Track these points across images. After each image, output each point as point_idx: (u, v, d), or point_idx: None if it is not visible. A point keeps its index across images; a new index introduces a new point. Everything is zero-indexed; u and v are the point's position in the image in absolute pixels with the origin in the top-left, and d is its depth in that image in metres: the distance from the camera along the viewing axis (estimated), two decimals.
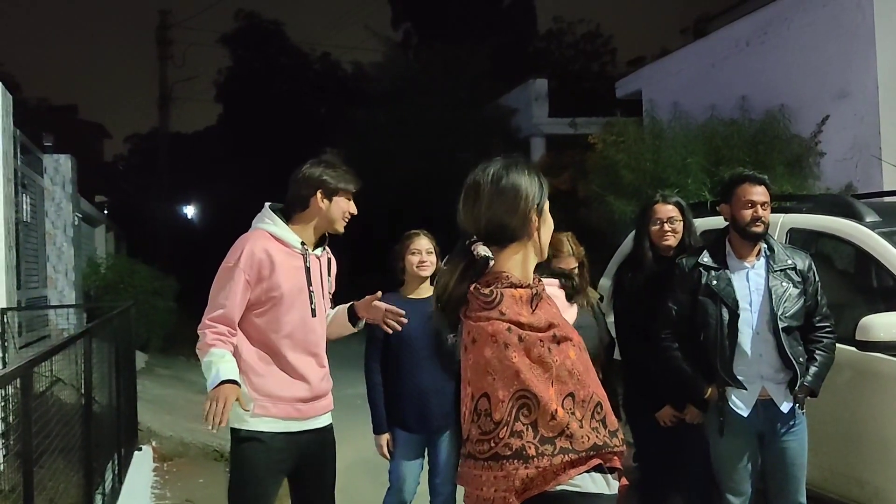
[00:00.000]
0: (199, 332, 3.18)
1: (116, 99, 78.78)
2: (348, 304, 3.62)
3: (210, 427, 3.01)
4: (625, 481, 2.13)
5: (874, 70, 8.73)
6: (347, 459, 6.86)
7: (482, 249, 2.04)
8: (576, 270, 3.89)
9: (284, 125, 30.54)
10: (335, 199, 3.31)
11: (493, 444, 1.95)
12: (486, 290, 2.03)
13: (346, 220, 3.38)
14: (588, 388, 2.06)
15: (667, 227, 4.12)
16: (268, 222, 3.29)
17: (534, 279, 2.13)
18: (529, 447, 1.94)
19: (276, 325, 3.24)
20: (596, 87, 20.99)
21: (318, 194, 3.27)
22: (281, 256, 3.23)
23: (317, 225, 3.33)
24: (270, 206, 3.37)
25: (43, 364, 3.98)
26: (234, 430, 3.26)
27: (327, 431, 3.47)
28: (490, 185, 2.08)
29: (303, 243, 3.30)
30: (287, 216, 3.32)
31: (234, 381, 3.06)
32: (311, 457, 3.37)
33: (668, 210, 4.15)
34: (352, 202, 3.37)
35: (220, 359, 3.12)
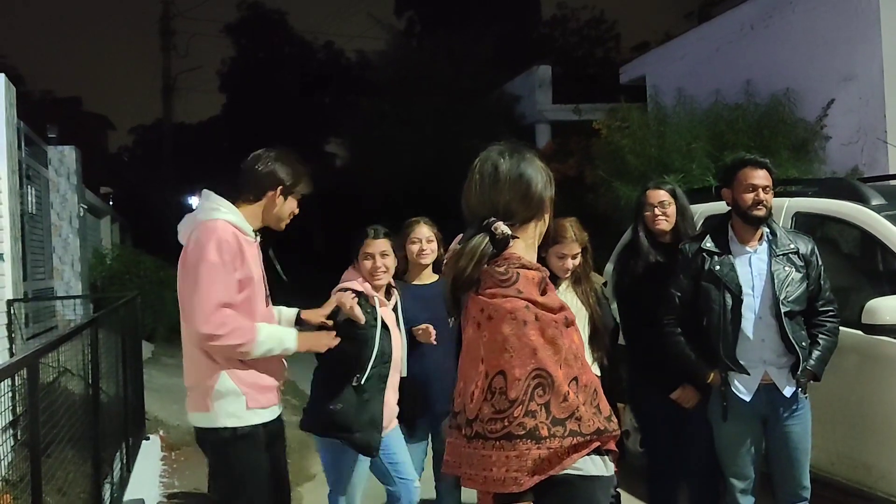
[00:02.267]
0: (215, 333, 3.03)
1: (120, 90, 78.83)
2: (295, 312, 3.62)
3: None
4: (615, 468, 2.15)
5: (879, 53, 8.67)
6: None
7: (504, 227, 2.05)
8: (579, 256, 3.88)
9: (289, 115, 30.52)
10: (290, 198, 3.34)
11: (506, 423, 1.94)
12: (501, 269, 2.04)
13: (289, 219, 3.41)
14: (588, 373, 2.09)
15: (657, 211, 4.15)
16: (225, 211, 3.23)
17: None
18: (542, 427, 1.94)
19: (251, 313, 3.20)
20: (600, 73, 20.89)
21: (278, 191, 3.29)
22: (246, 245, 3.22)
23: (264, 218, 3.33)
24: (214, 192, 3.30)
25: (50, 354, 4.00)
26: (223, 430, 3.15)
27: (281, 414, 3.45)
28: (510, 170, 2.11)
29: (255, 231, 3.31)
30: (232, 201, 3.29)
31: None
32: (276, 437, 3.36)
33: (659, 195, 4.18)
34: (296, 202, 3.40)
35: (270, 328, 3.19)
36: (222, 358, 3.13)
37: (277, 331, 3.20)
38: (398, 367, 3.90)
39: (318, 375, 3.86)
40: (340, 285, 3.80)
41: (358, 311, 3.54)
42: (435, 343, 3.74)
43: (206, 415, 3.17)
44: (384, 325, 3.74)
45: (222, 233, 3.15)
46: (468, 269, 2.04)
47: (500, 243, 2.05)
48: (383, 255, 3.84)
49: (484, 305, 2.02)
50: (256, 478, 3.23)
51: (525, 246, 2.12)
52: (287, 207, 3.35)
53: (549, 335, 2.00)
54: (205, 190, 3.33)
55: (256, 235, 3.32)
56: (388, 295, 3.92)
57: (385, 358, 3.73)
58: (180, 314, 3.21)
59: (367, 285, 3.80)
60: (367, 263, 3.83)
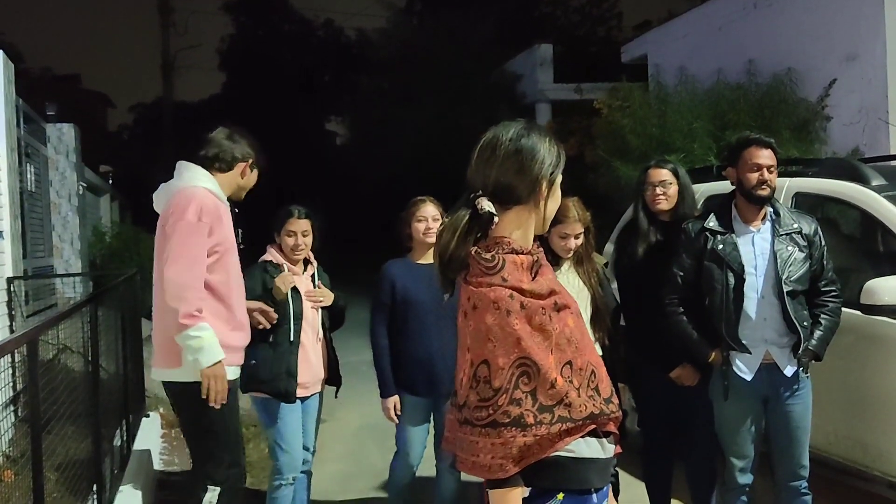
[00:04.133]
0: (177, 285, 3.25)
1: (120, 68, 78.42)
2: None
3: (214, 403, 3.31)
4: (618, 449, 2.13)
5: (882, 32, 8.62)
6: (354, 425, 7.01)
7: (486, 204, 1.99)
8: (581, 236, 3.88)
9: (288, 93, 30.38)
10: (254, 170, 3.72)
11: (491, 411, 1.93)
12: (488, 256, 2.00)
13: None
14: (584, 355, 2.05)
15: (659, 190, 4.12)
16: (205, 180, 3.52)
17: (533, 246, 2.09)
18: (528, 415, 1.93)
19: (227, 277, 3.45)
20: (602, 52, 20.79)
21: (249, 162, 3.67)
22: (222, 211, 3.50)
23: (231, 187, 3.66)
24: (188, 163, 3.60)
25: (50, 331, 4.00)
26: (196, 385, 3.34)
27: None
28: (508, 143, 2.03)
29: (228, 199, 3.62)
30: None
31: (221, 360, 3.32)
32: (234, 393, 3.59)
33: (660, 174, 4.15)
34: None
35: (210, 335, 3.27)
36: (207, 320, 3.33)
37: (209, 341, 3.28)
38: (314, 328, 4.24)
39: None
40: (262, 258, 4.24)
41: (283, 287, 4.03)
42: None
43: (176, 371, 3.38)
44: (296, 290, 4.14)
45: (203, 199, 3.40)
46: (451, 245, 2.00)
47: (483, 220, 2.00)
48: (304, 234, 4.23)
49: (470, 294, 2.00)
50: (232, 430, 3.50)
51: (519, 228, 2.06)
52: (251, 180, 3.73)
53: (537, 322, 1.97)
54: (181, 161, 3.61)
55: (227, 202, 3.61)
56: (305, 267, 4.33)
57: (297, 317, 4.11)
58: (156, 270, 3.40)
59: (280, 256, 4.22)
60: (290, 240, 4.21)
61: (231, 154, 3.63)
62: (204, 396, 3.31)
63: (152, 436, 5.91)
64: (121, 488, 4.52)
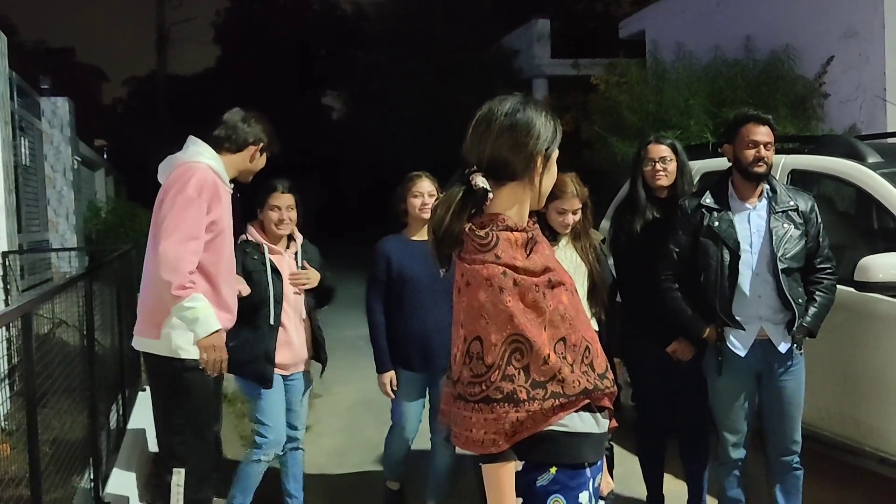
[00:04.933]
0: (171, 258, 3.22)
1: (114, 41, 77.79)
2: None
3: (212, 373, 3.32)
4: (614, 423, 2.14)
5: (881, 9, 8.58)
6: (351, 399, 7.03)
7: (480, 180, 1.98)
8: (579, 212, 3.87)
9: (284, 67, 30.19)
10: (263, 155, 3.68)
11: (484, 387, 1.94)
12: (482, 233, 1.99)
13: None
14: (578, 331, 2.05)
15: (658, 167, 4.10)
16: (208, 157, 3.48)
17: (529, 222, 2.09)
18: (521, 391, 1.94)
19: (217, 258, 3.42)
20: (600, 28, 20.65)
21: (259, 147, 3.62)
22: (222, 191, 3.46)
23: (239, 169, 3.62)
24: (197, 139, 3.55)
25: (46, 306, 4.00)
26: (175, 360, 3.37)
27: None
28: (503, 118, 2.01)
29: (231, 181, 3.58)
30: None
31: (219, 329, 3.31)
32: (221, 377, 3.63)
33: (660, 150, 4.13)
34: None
35: (205, 305, 3.27)
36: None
37: (206, 314, 3.28)
38: (297, 310, 4.19)
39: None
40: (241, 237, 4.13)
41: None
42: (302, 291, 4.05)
43: (154, 342, 3.39)
44: (277, 273, 4.09)
45: (204, 174, 3.37)
46: (446, 220, 1.99)
47: (477, 196, 1.99)
48: (289, 208, 4.14)
49: (464, 270, 2.00)
50: (205, 407, 3.49)
51: (515, 204, 2.05)
52: (258, 164, 3.69)
53: (531, 299, 1.97)
54: (191, 136, 3.55)
55: (231, 184, 3.57)
56: (288, 244, 4.26)
57: (277, 301, 4.05)
58: (151, 239, 3.39)
59: (259, 235, 4.14)
60: (274, 214, 4.12)
61: (243, 137, 3.58)
62: (202, 368, 3.32)
63: (148, 410, 5.92)
64: (117, 461, 4.54)
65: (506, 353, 1.94)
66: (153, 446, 5.44)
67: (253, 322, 3.99)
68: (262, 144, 3.63)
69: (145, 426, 5.59)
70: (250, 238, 4.15)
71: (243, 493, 4.08)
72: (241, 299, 3.76)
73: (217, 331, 3.30)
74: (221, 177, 3.48)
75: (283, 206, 4.12)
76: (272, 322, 4.04)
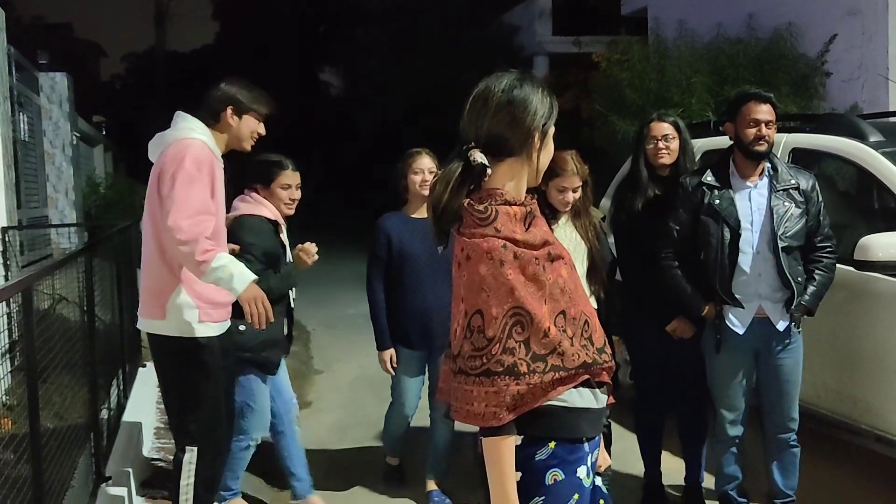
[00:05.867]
0: (185, 228, 3.09)
1: (112, 17, 77.26)
2: None
3: (259, 327, 3.18)
4: (611, 399, 2.15)
5: None
6: (351, 375, 7.07)
7: (479, 156, 1.99)
8: (580, 189, 3.86)
9: (282, 43, 30.02)
10: (245, 117, 3.46)
11: (485, 361, 1.94)
12: (481, 207, 2.00)
13: (254, 140, 3.53)
14: (578, 305, 2.06)
15: (661, 144, 4.08)
16: (200, 132, 3.38)
17: (527, 198, 2.09)
18: (521, 364, 1.94)
19: (215, 235, 3.30)
20: (601, 4, 20.54)
21: (229, 110, 3.42)
22: (216, 166, 3.38)
23: (227, 141, 3.48)
24: (186, 114, 3.44)
25: (46, 281, 4.00)
26: (180, 340, 3.34)
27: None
28: (500, 94, 2.02)
29: (222, 155, 3.47)
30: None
31: (256, 279, 3.20)
32: (229, 355, 3.56)
33: (663, 128, 4.10)
34: (261, 124, 3.52)
35: (231, 260, 3.19)
36: (182, 270, 3.27)
37: (235, 267, 3.17)
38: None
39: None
40: (247, 212, 3.92)
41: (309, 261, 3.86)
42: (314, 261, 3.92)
43: (160, 322, 3.35)
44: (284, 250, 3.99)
45: (199, 150, 3.29)
46: (445, 196, 2.00)
47: (475, 172, 2.00)
48: (298, 186, 4.05)
49: (464, 245, 2.00)
50: (214, 385, 3.42)
51: (512, 179, 2.06)
52: (245, 127, 3.47)
53: (531, 272, 1.98)
54: (179, 111, 3.44)
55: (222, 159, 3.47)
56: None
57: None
58: (147, 220, 3.34)
59: (276, 212, 3.98)
60: (285, 193, 4.00)
61: (214, 105, 3.43)
62: (249, 321, 3.21)
63: (149, 385, 5.95)
64: (118, 437, 4.56)
65: (507, 325, 1.95)
66: (155, 422, 5.48)
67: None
68: (231, 106, 3.42)
69: (146, 401, 5.62)
70: (270, 216, 3.95)
71: (233, 477, 4.04)
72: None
73: (254, 280, 3.18)
74: (214, 151, 3.40)
75: (294, 184, 4.02)
76: (292, 305, 3.94)
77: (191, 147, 3.28)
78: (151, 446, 5.09)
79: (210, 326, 3.39)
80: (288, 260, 3.98)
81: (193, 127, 3.38)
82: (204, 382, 3.40)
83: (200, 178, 3.22)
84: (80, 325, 4.17)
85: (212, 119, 3.43)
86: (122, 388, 5.20)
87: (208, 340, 3.37)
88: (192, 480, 3.42)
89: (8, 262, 6.31)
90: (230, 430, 3.71)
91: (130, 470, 4.23)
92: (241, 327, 3.67)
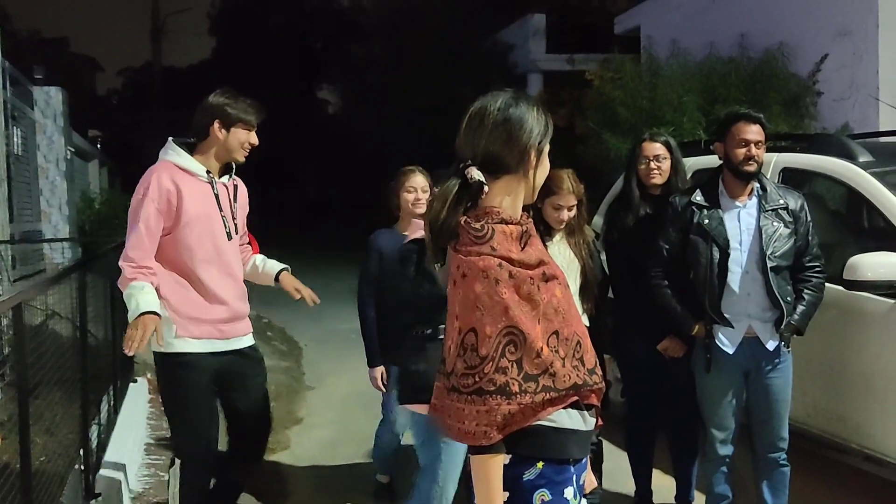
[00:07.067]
0: (119, 264, 3.27)
1: (109, 32, 77.42)
2: (279, 269, 3.84)
3: (128, 351, 3.17)
4: (600, 421, 2.16)
5: (875, 8, 8.61)
6: (343, 391, 7.05)
7: (476, 173, 2.01)
8: (574, 208, 3.89)
9: (279, 59, 30.11)
10: (233, 129, 3.45)
11: (477, 379, 1.95)
12: (477, 225, 2.01)
13: (247, 151, 3.51)
14: (571, 325, 2.07)
15: (653, 165, 4.11)
16: (171, 154, 3.44)
17: (523, 216, 2.11)
18: (513, 383, 1.95)
19: (189, 250, 3.38)
20: (595, 23, 20.68)
21: (216, 124, 3.42)
22: (187, 185, 3.38)
23: (217, 154, 3.48)
24: (174, 140, 3.50)
25: (39, 297, 4.00)
26: (159, 355, 3.40)
27: (253, 350, 3.65)
28: (496, 113, 2.04)
29: (208, 172, 3.46)
30: (192, 147, 3.48)
31: (153, 312, 3.19)
32: (236, 376, 3.54)
33: (655, 148, 4.14)
34: (252, 133, 3.51)
35: (139, 291, 3.24)
36: (162, 290, 3.33)
37: (137, 299, 3.21)
38: None
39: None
40: (414, 235, 3.53)
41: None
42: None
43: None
44: None
45: (158, 174, 3.35)
46: (442, 214, 2.01)
47: (472, 189, 2.02)
48: (424, 189, 4.08)
49: (460, 263, 2.01)
50: (189, 402, 3.43)
51: (508, 198, 2.08)
52: (233, 139, 3.46)
53: (525, 292, 1.99)
54: (169, 138, 3.51)
55: (210, 175, 3.46)
56: None
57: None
58: None
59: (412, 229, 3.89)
60: (409, 196, 4.09)
61: (201, 124, 3.43)
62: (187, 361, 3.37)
63: (140, 401, 5.94)
64: (107, 452, 4.55)
65: (500, 345, 1.96)
66: (145, 438, 5.46)
67: (429, 331, 3.25)
68: (217, 119, 3.41)
69: (136, 417, 5.60)
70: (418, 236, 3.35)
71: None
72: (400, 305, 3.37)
73: (148, 312, 3.17)
74: (189, 169, 3.40)
75: (418, 186, 4.09)
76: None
77: (151, 173, 3.37)
78: (141, 462, 5.07)
79: (189, 342, 3.39)
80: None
81: (167, 150, 3.46)
82: (181, 400, 3.43)
83: (147, 204, 3.30)
84: (73, 340, 4.17)
85: (202, 133, 3.46)
86: (112, 403, 5.20)
87: (188, 357, 3.38)
88: (176, 490, 3.47)
89: (0, 277, 6.30)
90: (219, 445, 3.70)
91: (119, 485, 4.22)
92: (420, 365, 3.17)
